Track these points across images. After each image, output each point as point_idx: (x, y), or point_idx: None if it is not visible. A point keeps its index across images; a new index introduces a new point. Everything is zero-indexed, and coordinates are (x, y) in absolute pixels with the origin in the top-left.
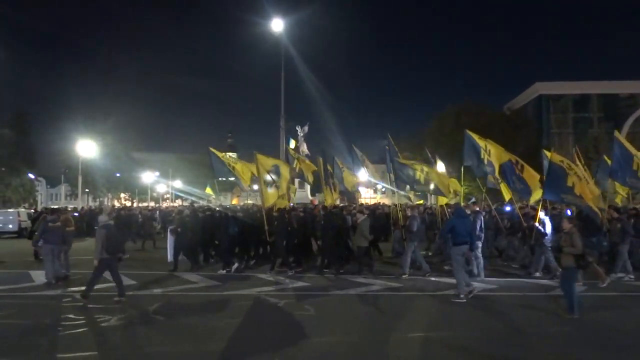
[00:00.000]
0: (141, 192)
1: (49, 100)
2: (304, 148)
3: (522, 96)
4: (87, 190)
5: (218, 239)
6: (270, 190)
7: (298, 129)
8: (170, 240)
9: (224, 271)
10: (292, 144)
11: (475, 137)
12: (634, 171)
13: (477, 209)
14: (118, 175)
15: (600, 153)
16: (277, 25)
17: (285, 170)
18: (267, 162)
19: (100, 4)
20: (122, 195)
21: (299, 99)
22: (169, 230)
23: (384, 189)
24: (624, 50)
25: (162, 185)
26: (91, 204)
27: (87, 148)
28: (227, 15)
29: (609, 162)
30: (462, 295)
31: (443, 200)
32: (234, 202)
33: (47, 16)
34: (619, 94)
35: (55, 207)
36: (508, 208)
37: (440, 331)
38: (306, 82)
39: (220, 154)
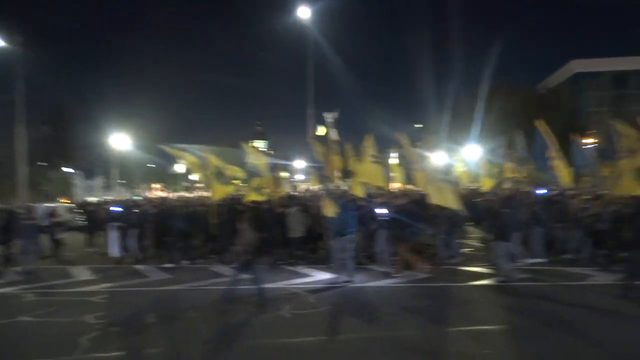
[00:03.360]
0: (175, 183)
1: (83, 94)
2: (334, 135)
3: (557, 75)
4: (123, 181)
5: (165, 234)
6: (222, 185)
7: (326, 115)
8: (113, 234)
9: (171, 265)
10: (321, 130)
11: None
12: None
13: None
14: (151, 166)
15: None
16: (304, 12)
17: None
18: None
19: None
20: (154, 185)
21: (329, 85)
22: (111, 225)
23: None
24: None
25: (195, 176)
26: (127, 194)
27: (121, 141)
28: (254, 3)
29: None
30: (352, 278)
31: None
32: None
33: (80, 12)
34: None
35: None
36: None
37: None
38: (335, 69)
39: (173, 150)
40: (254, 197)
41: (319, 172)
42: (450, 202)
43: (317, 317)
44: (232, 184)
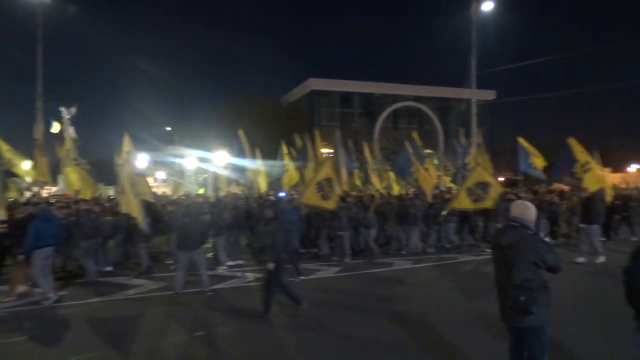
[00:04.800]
0: None
1: None
2: (71, 132)
3: (297, 90)
4: None
5: None
6: None
7: (63, 110)
8: None
9: None
10: (56, 127)
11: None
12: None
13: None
14: None
15: (359, 144)
16: None
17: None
18: None
19: None
20: None
21: (65, 76)
22: None
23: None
24: (381, 53)
25: None
26: None
27: None
28: None
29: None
30: (51, 296)
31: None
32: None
33: None
34: (375, 93)
35: None
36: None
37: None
38: (74, 57)
39: None
40: None
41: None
42: (136, 212)
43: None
44: None
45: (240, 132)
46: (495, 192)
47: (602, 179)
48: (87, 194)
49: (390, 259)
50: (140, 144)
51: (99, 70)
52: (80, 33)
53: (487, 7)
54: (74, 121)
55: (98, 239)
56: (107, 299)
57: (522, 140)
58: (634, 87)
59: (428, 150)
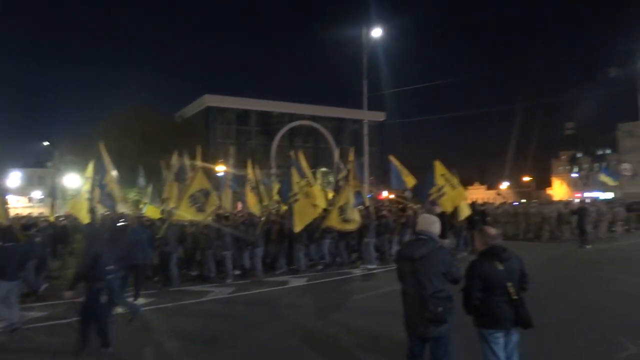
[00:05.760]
0: None
1: None
2: None
3: (191, 106)
4: None
5: None
6: None
7: None
8: None
9: None
10: None
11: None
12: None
13: None
14: None
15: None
16: None
17: None
18: None
19: None
20: None
21: None
22: None
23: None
24: (280, 73)
25: None
26: None
27: None
28: None
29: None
30: None
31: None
32: None
33: None
34: (272, 111)
35: None
36: None
37: None
38: None
39: None
40: None
41: None
42: None
43: None
44: None
45: (101, 146)
46: (353, 214)
47: (456, 199)
48: None
49: (285, 277)
50: (13, 160)
51: None
52: None
53: (376, 33)
54: None
55: None
56: None
57: (393, 159)
58: (504, 113)
59: (324, 169)
